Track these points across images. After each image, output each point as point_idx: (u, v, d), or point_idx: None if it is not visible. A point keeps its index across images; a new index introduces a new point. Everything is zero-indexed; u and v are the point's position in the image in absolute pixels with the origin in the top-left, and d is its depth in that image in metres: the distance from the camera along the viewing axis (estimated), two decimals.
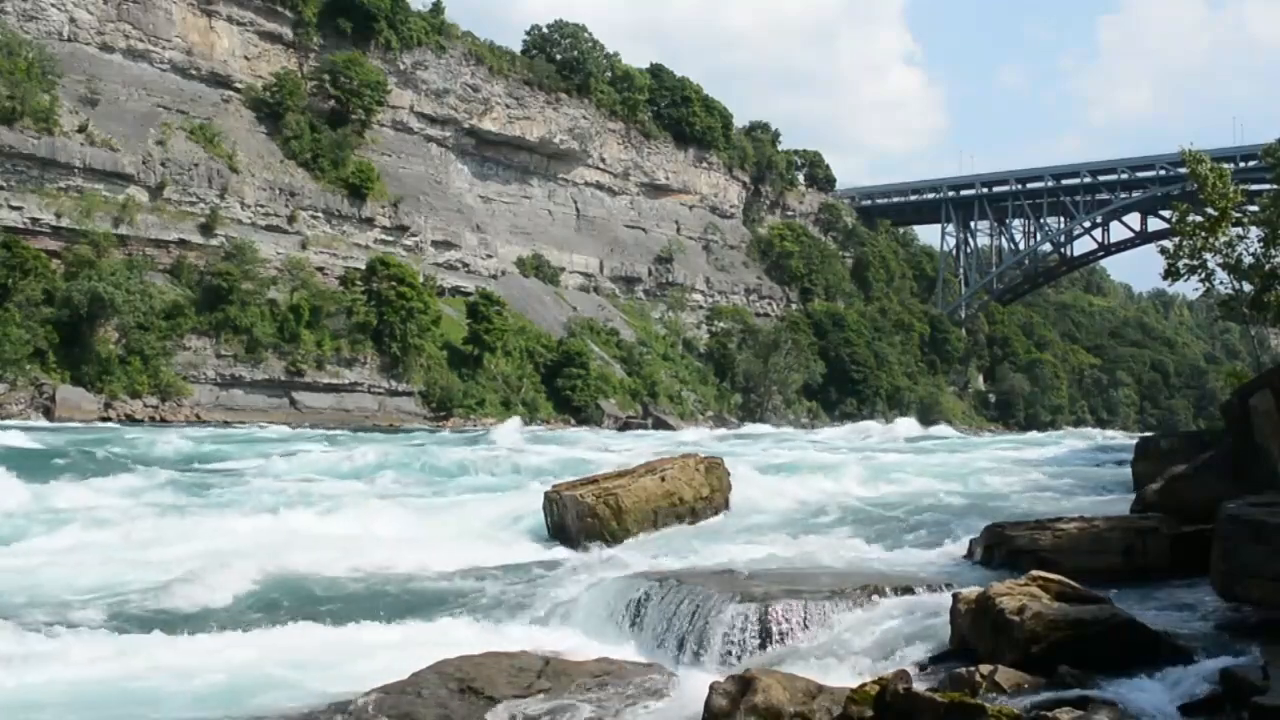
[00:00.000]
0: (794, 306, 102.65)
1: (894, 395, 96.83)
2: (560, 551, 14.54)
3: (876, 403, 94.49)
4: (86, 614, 10.85)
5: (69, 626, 10.32)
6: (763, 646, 8.78)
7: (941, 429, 67.08)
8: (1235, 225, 24.45)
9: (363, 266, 67.68)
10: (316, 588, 11.84)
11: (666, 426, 70.63)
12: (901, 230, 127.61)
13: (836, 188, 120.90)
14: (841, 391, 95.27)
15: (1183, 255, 24.71)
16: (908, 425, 63.14)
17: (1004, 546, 11.11)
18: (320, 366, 62.34)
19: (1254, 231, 24.56)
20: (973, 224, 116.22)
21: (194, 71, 66.93)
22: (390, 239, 72.83)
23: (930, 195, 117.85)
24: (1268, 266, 23.43)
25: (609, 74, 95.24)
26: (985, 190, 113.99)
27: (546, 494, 16.24)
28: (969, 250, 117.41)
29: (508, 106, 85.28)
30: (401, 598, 11.46)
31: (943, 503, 17.98)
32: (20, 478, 19.32)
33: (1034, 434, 71.63)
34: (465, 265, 79.43)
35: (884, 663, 7.76)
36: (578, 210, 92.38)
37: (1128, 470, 22.33)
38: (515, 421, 56.33)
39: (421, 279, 70.16)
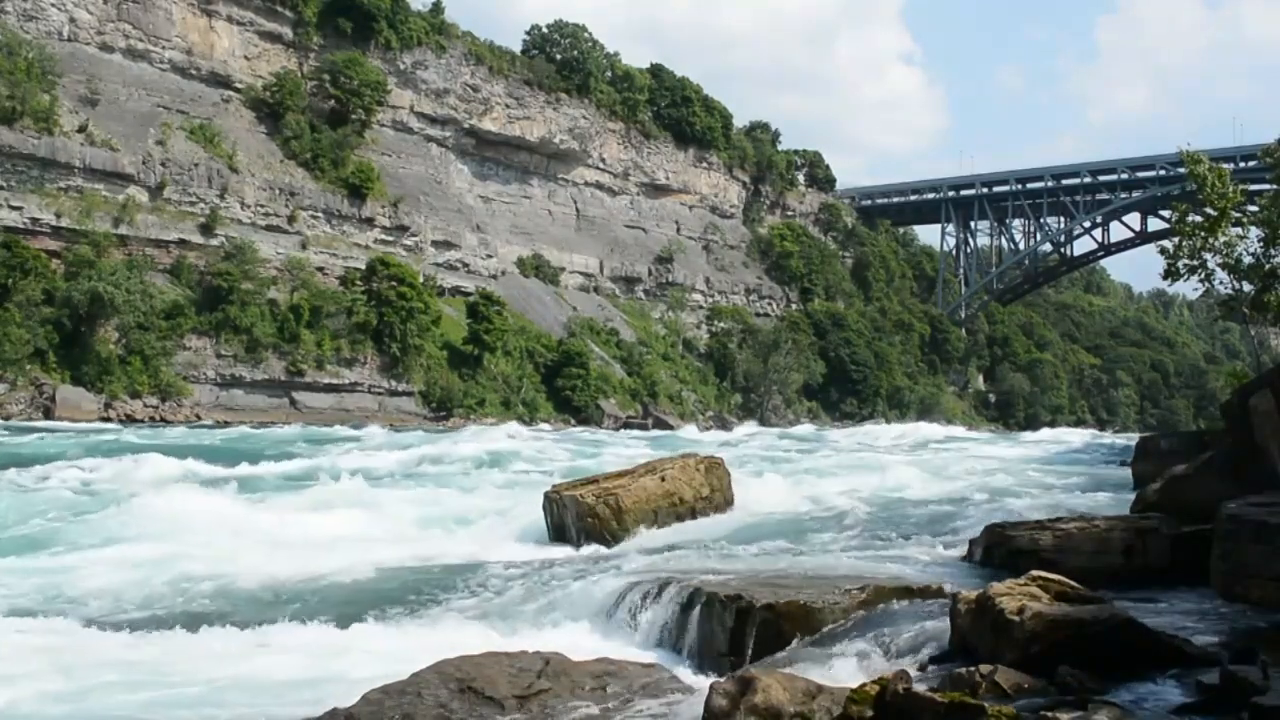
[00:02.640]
0: (794, 306, 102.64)
1: (894, 395, 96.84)
2: (560, 551, 14.55)
3: (876, 403, 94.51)
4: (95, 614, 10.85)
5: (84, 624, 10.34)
6: (763, 646, 8.77)
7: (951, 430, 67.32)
8: (1235, 225, 24.47)
9: (363, 266, 67.67)
10: (311, 588, 11.82)
11: (666, 426, 70.58)
12: (901, 230, 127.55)
13: (836, 188, 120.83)
14: (842, 391, 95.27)
15: (1183, 255, 24.74)
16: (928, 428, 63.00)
17: (1004, 546, 11.11)
18: (320, 366, 62.32)
19: (1254, 231, 24.58)
20: (973, 224, 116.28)
21: (194, 71, 66.93)
22: (390, 239, 72.82)
23: (930, 195, 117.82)
24: (1268, 266, 23.45)
25: (609, 74, 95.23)
26: (985, 190, 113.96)
27: (546, 494, 16.29)
28: (969, 250, 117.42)
29: (508, 106, 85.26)
30: (401, 597, 11.45)
31: (943, 503, 17.99)
32: None
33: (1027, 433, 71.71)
34: (465, 265, 79.41)
35: (884, 663, 7.75)
36: (578, 210, 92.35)
37: (1127, 470, 22.39)
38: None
39: (421, 279, 70.15)
